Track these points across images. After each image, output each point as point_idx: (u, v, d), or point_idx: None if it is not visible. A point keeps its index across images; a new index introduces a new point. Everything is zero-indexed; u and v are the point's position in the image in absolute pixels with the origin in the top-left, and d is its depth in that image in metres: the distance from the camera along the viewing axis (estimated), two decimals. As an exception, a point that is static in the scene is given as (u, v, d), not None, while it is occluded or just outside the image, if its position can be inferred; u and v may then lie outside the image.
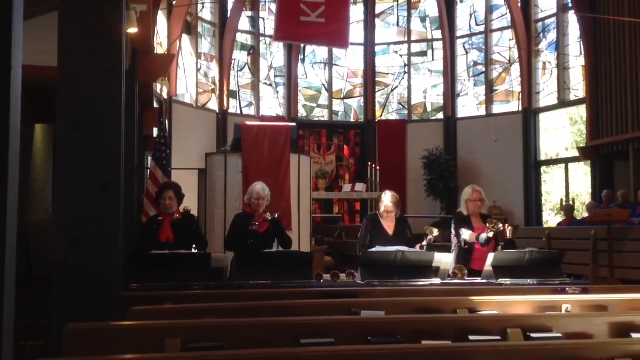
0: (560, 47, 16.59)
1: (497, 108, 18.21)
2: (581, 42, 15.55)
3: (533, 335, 3.57)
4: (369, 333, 3.48)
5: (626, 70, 13.76)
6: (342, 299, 4.49)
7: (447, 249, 6.83)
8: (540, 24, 17.33)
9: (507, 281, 5.36)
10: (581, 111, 16.04)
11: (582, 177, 16.17)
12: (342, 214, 18.52)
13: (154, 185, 8.95)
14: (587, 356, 3.18)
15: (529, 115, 17.07)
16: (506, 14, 17.94)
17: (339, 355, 3.05)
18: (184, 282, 4.92)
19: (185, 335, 3.27)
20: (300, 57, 19.25)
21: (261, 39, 18.78)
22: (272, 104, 18.97)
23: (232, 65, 17.85)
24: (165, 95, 14.22)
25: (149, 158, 10.98)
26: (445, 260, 5.73)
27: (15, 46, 1.88)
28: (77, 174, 4.11)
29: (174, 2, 14.59)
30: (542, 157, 17.14)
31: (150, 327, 3.40)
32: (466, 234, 6.27)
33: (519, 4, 17.25)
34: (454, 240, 6.52)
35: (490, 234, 6.10)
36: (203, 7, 17.30)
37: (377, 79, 19.64)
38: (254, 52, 18.66)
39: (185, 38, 16.28)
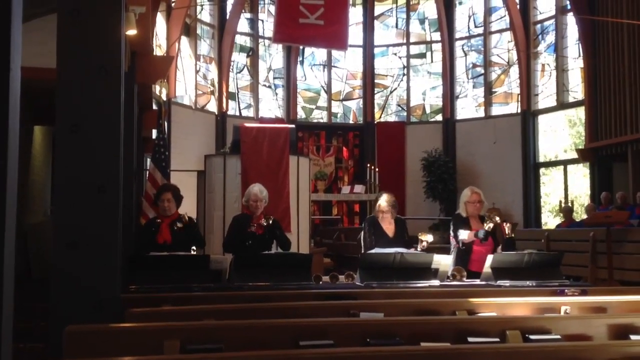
0: (558, 49, 16.60)
1: (496, 110, 18.22)
2: (580, 44, 15.58)
3: (532, 337, 3.57)
4: (368, 335, 3.48)
5: (625, 72, 13.77)
6: (341, 300, 4.50)
7: (446, 251, 6.84)
8: (538, 25, 17.35)
9: (506, 283, 5.36)
10: (580, 113, 16.06)
11: (580, 179, 16.18)
12: (341, 216, 18.53)
13: (153, 187, 8.94)
14: (586, 358, 3.18)
15: (528, 117, 17.08)
16: (505, 15, 17.96)
17: (338, 357, 3.05)
18: (182, 284, 4.92)
19: (184, 337, 3.27)
20: (299, 59, 19.26)
21: (260, 40, 18.79)
22: (271, 106, 18.97)
23: (231, 67, 17.86)
24: (164, 97, 14.20)
25: (148, 160, 10.96)
26: (444, 262, 5.73)
27: (14, 48, 1.88)
28: (75, 176, 4.11)
29: (173, 4, 14.58)
30: (541, 159, 17.15)
31: (148, 329, 3.39)
32: (464, 234, 6.27)
33: (518, 6, 17.26)
34: (452, 241, 6.52)
35: (490, 225, 6.11)
36: (202, 9, 17.30)
37: (376, 81, 19.65)
38: (253, 54, 18.67)
39: (184, 40, 16.28)
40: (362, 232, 6.53)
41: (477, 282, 5.65)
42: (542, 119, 17.17)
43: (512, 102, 17.88)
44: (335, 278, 5.69)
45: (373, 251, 5.86)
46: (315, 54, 19.64)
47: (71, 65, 4.18)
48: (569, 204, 14.94)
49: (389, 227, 6.39)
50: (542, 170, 17.19)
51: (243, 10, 18.15)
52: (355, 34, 18.81)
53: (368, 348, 3.33)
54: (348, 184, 17.87)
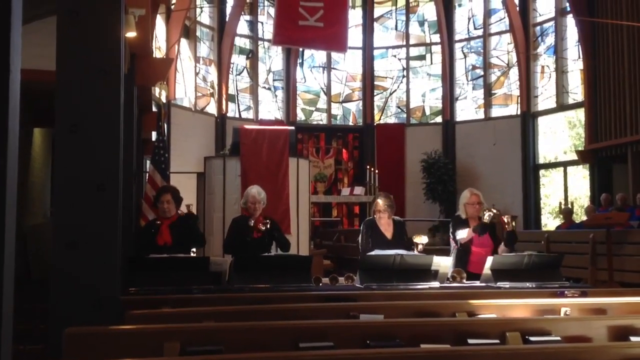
0: (558, 50, 16.61)
1: (496, 111, 18.23)
2: (579, 46, 15.59)
3: (532, 338, 3.57)
4: (368, 337, 3.48)
5: (624, 73, 13.78)
6: (341, 302, 4.50)
7: (446, 253, 6.83)
8: (538, 27, 17.36)
9: (506, 284, 5.35)
10: (579, 114, 16.06)
11: (580, 181, 16.18)
12: (341, 218, 18.52)
13: (153, 189, 8.94)
14: (586, 359, 3.18)
15: (528, 118, 17.09)
16: (504, 17, 17.98)
17: (338, 359, 3.05)
18: (182, 286, 4.92)
19: (184, 339, 3.26)
20: (299, 61, 19.27)
21: (260, 42, 18.80)
22: (271, 108, 18.98)
23: (231, 69, 17.87)
24: (163, 99, 14.23)
25: (148, 162, 10.96)
26: (443, 263, 5.73)
27: (13, 50, 1.88)
28: (75, 178, 4.11)
29: (173, 6, 14.59)
30: (541, 161, 17.15)
31: (148, 331, 3.39)
32: (463, 233, 6.27)
33: (517, 8, 17.27)
34: (452, 243, 6.52)
35: (490, 214, 6.11)
36: (202, 11, 17.32)
37: (375, 83, 19.65)
38: (252, 56, 18.68)
39: (183, 42, 16.29)
40: (360, 235, 6.54)
41: (477, 283, 5.65)
42: (541, 121, 17.17)
43: (511, 103, 17.88)
44: (335, 280, 5.69)
45: (373, 253, 5.85)
46: (314, 56, 19.65)
47: (71, 67, 4.18)
48: (569, 206, 14.94)
49: (387, 228, 6.39)
50: (541, 171, 17.20)
51: (242, 13, 18.16)
52: (354, 36, 18.83)
53: (368, 350, 3.33)
54: (348, 186, 17.89)
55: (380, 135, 18.92)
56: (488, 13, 18.50)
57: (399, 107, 19.63)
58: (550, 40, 17.01)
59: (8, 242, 1.84)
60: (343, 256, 12.88)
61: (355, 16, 19.11)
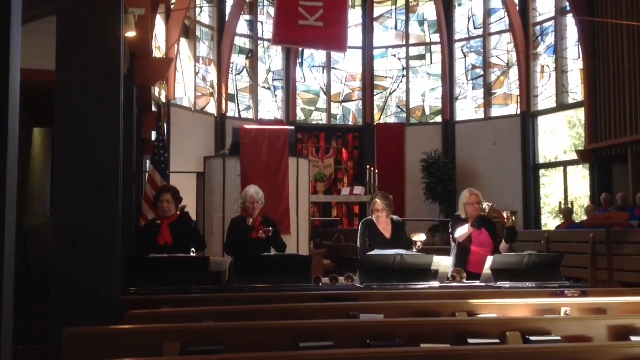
0: (558, 50, 16.61)
1: (496, 111, 18.23)
2: (579, 45, 15.58)
3: (532, 338, 3.57)
4: (368, 336, 3.48)
5: (624, 73, 13.78)
6: (341, 302, 4.50)
7: (446, 252, 6.83)
8: (538, 27, 17.36)
9: (506, 284, 5.35)
10: (580, 114, 16.06)
11: (580, 180, 16.18)
12: (341, 218, 18.52)
13: (153, 189, 8.94)
14: (586, 359, 3.18)
15: (528, 118, 17.09)
16: (504, 17, 17.97)
17: (338, 358, 3.05)
18: (182, 286, 4.92)
19: (184, 339, 3.26)
20: (299, 60, 19.27)
21: (259, 42, 18.80)
22: (271, 108, 18.98)
23: (231, 69, 17.87)
24: (163, 99, 14.22)
25: (148, 162, 10.96)
26: (444, 263, 5.73)
27: (13, 50, 1.87)
28: (75, 177, 4.11)
29: (172, 6, 14.58)
30: (541, 160, 17.15)
31: (148, 331, 3.39)
32: (462, 230, 6.27)
33: (517, 8, 17.27)
34: (452, 243, 6.52)
35: (487, 205, 6.13)
36: (201, 11, 17.31)
37: (375, 83, 19.65)
38: (252, 55, 18.67)
39: (183, 42, 16.29)
40: (358, 235, 6.55)
41: (477, 283, 5.65)
42: (541, 121, 17.17)
43: (511, 103, 17.88)
44: (335, 280, 5.69)
45: (373, 253, 5.85)
46: (314, 56, 19.65)
47: (71, 67, 4.18)
48: (569, 206, 14.94)
49: (386, 228, 6.39)
50: (542, 171, 17.20)
51: (242, 12, 18.16)
52: (354, 35, 18.82)
53: (368, 350, 3.33)
54: (348, 186, 17.88)
55: (380, 135, 18.92)
56: (488, 13, 18.50)
57: (398, 107, 19.63)
58: (550, 39, 17.00)
59: (8, 242, 1.84)
60: (343, 256, 12.88)
61: (355, 16, 19.11)
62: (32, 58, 5.52)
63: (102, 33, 4.22)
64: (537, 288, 5.30)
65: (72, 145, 4.11)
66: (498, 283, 5.39)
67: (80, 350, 3.19)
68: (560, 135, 16.93)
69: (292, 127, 10.14)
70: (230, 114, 17.69)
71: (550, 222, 16.77)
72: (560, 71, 16.54)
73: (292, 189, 8.82)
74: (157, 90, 12.75)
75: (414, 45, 19.62)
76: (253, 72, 18.61)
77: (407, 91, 19.47)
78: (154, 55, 10.30)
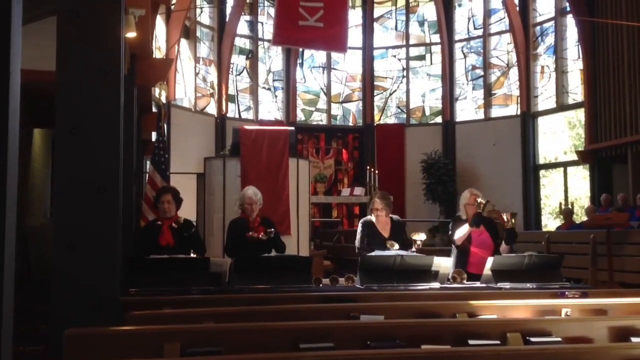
0: (558, 50, 16.61)
1: (496, 112, 18.23)
2: (579, 46, 15.59)
3: (532, 339, 3.57)
4: (368, 337, 3.47)
5: (624, 73, 13.78)
6: (341, 303, 4.49)
7: (447, 253, 6.83)
8: (538, 27, 17.36)
9: (507, 285, 5.35)
10: (579, 115, 16.06)
11: (580, 181, 16.18)
12: (341, 218, 18.52)
13: (153, 189, 8.94)
14: (586, 360, 3.18)
15: (528, 118, 17.08)
16: (504, 17, 17.97)
17: (338, 359, 3.05)
18: (182, 287, 4.91)
19: (184, 340, 3.26)
20: (299, 61, 19.27)
21: (260, 43, 18.80)
22: (271, 108, 18.98)
23: (231, 70, 17.87)
24: (163, 100, 14.23)
25: (148, 162, 10.96)
26: (444, 264, 5.72)
27: (14, 51, 1.87)
28: (75, 178, 4.11)
29: (173, 7, 14.59)
30: (541, 161, 17.15)
31: (149, 332, 3.39)
32: (461, 231, 6.27)
33: (517, 8, 17.27)
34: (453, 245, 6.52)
35: (481, 203, 6.14)
36: (201, 12, 17.32)
37: (375, 83, 19.65)
38: (252, 56, 18.68)
39: (183, 42, 16.29)
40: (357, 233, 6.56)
41: (478, 284, 5.65)
42: (541, 121, 17.17)
43: (511, 104, 17.88)
44: (335, 280, 5.68)
45: (373, 254, 5.85)
46: (314, 56, 19.65)
47: (71, 68, 4.18)
48: (569, 206, 14.94)
49: (384, 227, 6.40)
50: (541, 172, 17.20)
51: (242, 13, 18.16)
52: (354, 36, 18.82)
53: (368, 351, 3.33)
54: (348, 186, 17.88)
55: (380, 136, 18.92)
56: (488, 13, 18.50)
57: (398, 108, 19.63)
58: (550, 40, 17.01)
59: (8, 242, 1.84)
60: (343, 257, 12.87)
61: (355, 16, 19.11)
62: (33, 59, 5.53)
63: (102, 33, 4.22)
64: (538, 289, 5.30)
65: (72, 146, 4.10)
66: (498, 284, 5.39)
67: (81, 351, 3.19)
68: (560, 135, 16.93)
69: (292, 128, 10.13)
70: (230, 114, 17.69)
71: (550, 222, 16.77)
72: (560, 71, 16.55)
73: (292, 190, 8.81)
74: (157, 90, 12.77)
75: (414, 45, 19.62)
76: (253, 72, 18.61)
77: (407, 92, 19.47)
78: (154, 56, 10.31)
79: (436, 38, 19.21)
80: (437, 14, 18.79)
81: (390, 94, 19.67)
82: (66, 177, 4.13)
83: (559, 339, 3.63)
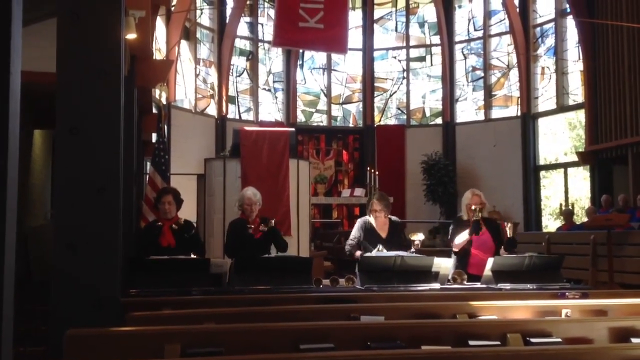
0: (558, 52, 16.61)
1: (496, 113, 18.23)
2: (579, 47, 15.59)
3: (533, 340, 3.57)
4: (368, 338, 3.47)
5: (625, 74, 13.78)
6: (341, 304, 4.49)
7: (447, 254, 6.83)
8: (538, 29, 17.36)
9: (507, 286, 5.35)
10: (580, 116, 16.06)
11: (581, 182, 16.17)
12: (341, 219, 18.50)
13: (153, 190, 8.94)
14: (587, 361, 3.18)
15: (528, 120, 17.08)
16: (504, 19, 17.97)
17: (339, 360, 3.05)
18: (183, 287, 4.92)
19: (185, 341, 3.26)
20: (299, 62, 19.27)
21: (260, 44, 18.80)
22: (271, 109, 18.98)
23: (231, 71, 17.87)
24: (164, 101, 14.22)
25: (148, 163, 10.96)
26: (444, 265, 5.73)
27: (14, 52, 1.88)
28: (75, 179, 4.12)
29: (173, 8, 14.59)
30: (541, 162, 17.15)
31: (149, 333, 3.39)
32: (460, 237, 6.26)
33: (517, 9, 17.27)
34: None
35: (478, 209, 6.13)
36: (202, 13, 17.32)
37: (375, 84, 19.65)
38: (252, 57, 18.68)
39: (183, 44, 16.29)
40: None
41: (478, 285, 5.65)
42: (542, 122, 17.17)
43: (512, 105, 17.88)
44: (335, 281, 5.69)
45: (373, 254, 5.86)
46: (315, 58, 19.65)
47: (71, 69, 4.18)
48: (570, 207, 14.94)
49: (382, 227, 6.40)
50: (542, 173, 17.19)
51: (243, 14, 18.16)
52: (355, 37, 18.81)
53: (369, 351, 3.33)
54: (348, 187, 17.89)
55: (380, 137, 18.91)
56: (488, 14, 18.50)
57: (399, 109, 19.63)
58: (550, 41, 17.01)
59: (9, 243, 1.84)
60: (343, 258, 12.82)
61: (355, 17, 19.12)
62: (33, 60, 5.52)
63: (103, 34, 4.22)
64: (538, 290, 5.30)
65: (73, 147, 4.11)
66: (499, 285, 5.39)
67: (81, 352, 3.19)
68: (561, 136, 16.93)
69: (293, 129, 10.14)
70: (230, 115, 17.69)
71: (550, 223, 16.76)
72: (561, 73, 16.55)
73: (293, 191, 8.81)
74: (157, 92, 12.76)
75: (414, 47, 19.62)
76: (253, 73, 18.62)
77: (407, 93, 19.47)
78: (154, 57, 10.30)
79: (436, 39, 19.21)
80: (437, 15, 18.79)
81: (391, 95, 19.67)
82: (66, 177, 4.13)
83: (559, 339, 3.63)
